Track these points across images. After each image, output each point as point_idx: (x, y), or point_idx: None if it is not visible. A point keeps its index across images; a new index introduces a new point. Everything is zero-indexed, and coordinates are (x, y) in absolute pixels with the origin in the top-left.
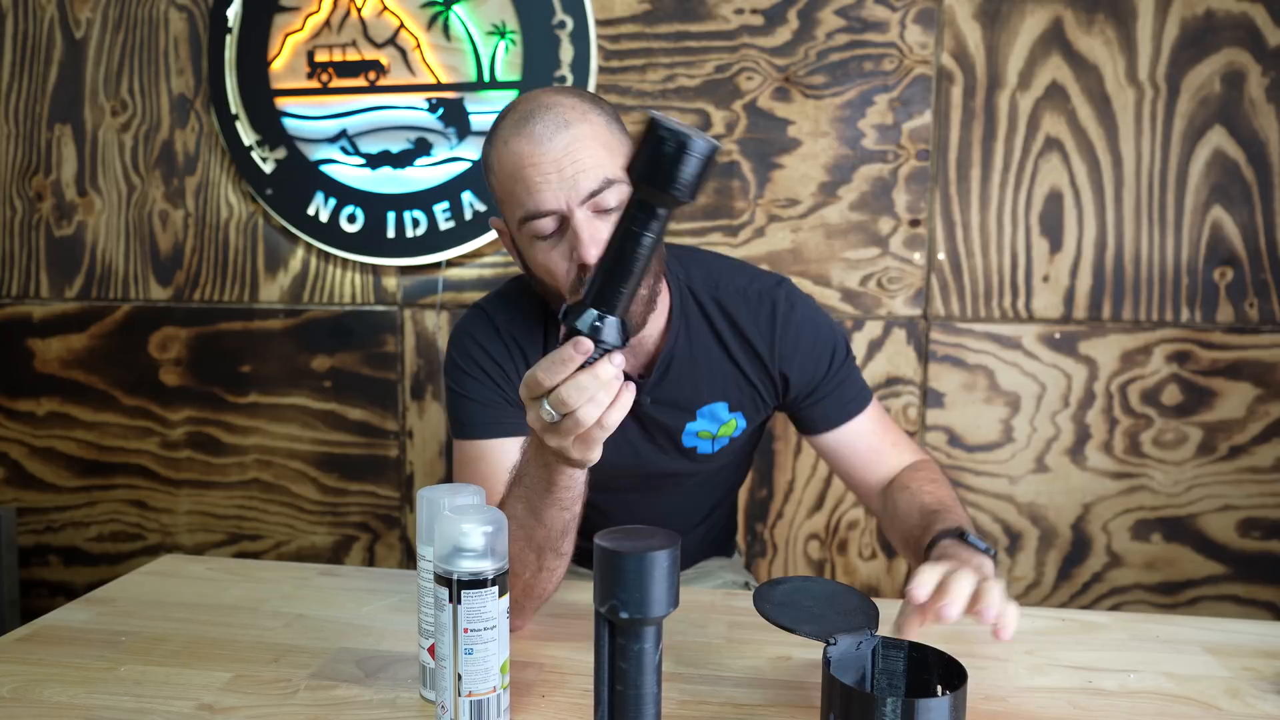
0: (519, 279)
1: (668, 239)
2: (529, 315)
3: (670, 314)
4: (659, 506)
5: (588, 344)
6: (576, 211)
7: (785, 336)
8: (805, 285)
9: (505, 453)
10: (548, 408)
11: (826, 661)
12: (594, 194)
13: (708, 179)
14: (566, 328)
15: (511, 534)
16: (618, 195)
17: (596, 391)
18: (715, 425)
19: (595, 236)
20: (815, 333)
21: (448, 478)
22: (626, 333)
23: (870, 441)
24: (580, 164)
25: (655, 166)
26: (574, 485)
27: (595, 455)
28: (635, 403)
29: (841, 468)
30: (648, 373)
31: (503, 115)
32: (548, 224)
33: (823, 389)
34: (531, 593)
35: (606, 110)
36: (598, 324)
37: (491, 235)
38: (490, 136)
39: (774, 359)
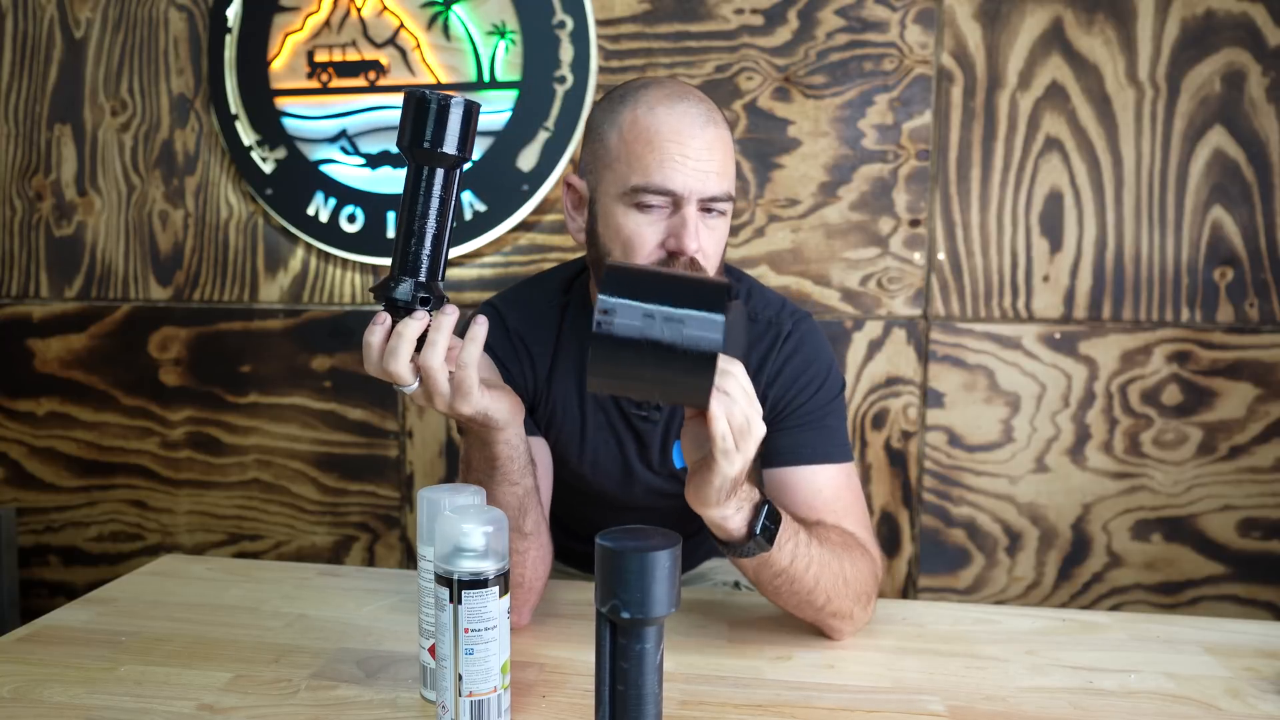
0: (535, 280)
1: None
2: (543, 318)
3: None
4: (655, 523)
5: (384, 315)
6: (693, 203)
7: (778, 358)
8: (805, 285)
9: None
10: (399, 388)
11: None
12: (713, 199)
13: (472, 134)
14: (376, 298)
15: None
16: (724, 210)
17: (405, 346)
18: None
19: (699, 234)
20: (809, 362)
21: (448, 478)
22: (435, 292)
23: (809, 496)
24: (717, 165)
25: (418, 129)
26: (515, 456)
27: (478, 401)
28: (642, 417)
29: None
30: None
31: (643, 86)
32: (661, 201)
33: (788, 421)
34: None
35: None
36: (403, 290)
37: (492, 235)
38: (625, 98)
39: (760, 385)
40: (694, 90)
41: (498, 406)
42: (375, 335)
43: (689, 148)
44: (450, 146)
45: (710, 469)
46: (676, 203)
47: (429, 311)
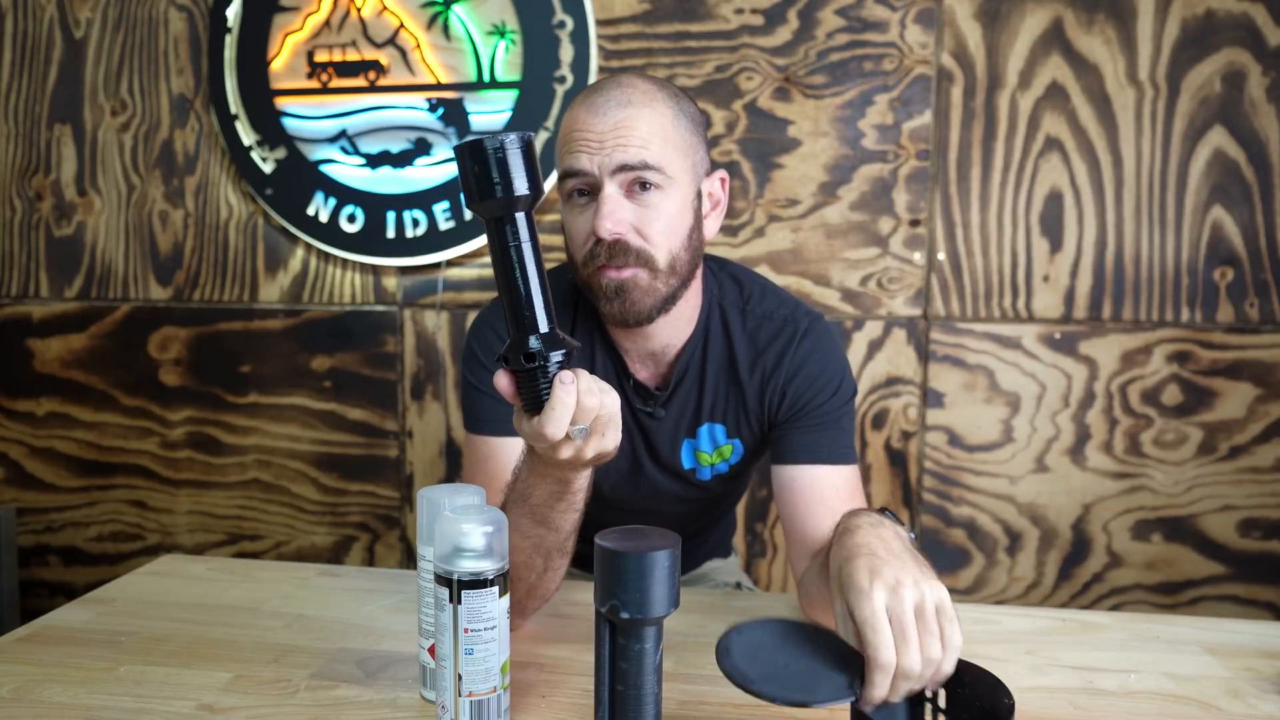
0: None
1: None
2: (557, 313)
3: (695, 326)
4: (657, 523)
5: (566, 375)
6: (606, 182)
7: (794, 358)
8: (805, 285)
9: (515, 452)
10: (572, 438)
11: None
12: (626, 168)
13: (532, 167)
14: (510, 365)
15: (516, 544)
16: (659, 184)
17: (569, 402)
18: (711, 447)
19: (614, 212)
20: (824, 364)
21: (448, 478)
22: (560, 342)
23: (825, 495)
24: (624, 139)
25: (475, 181)
26: (586, 485)
27: (618, 438)
28: (648, 414)
29: (786, 510)
30: (665, 384)
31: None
32: (581, 184)
33: (805, 420)
34: (535, 593)
35: (684, 108)
36: (540, 349)
37: None
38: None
39: (777, 381)
40: (627, 76)
41: (618, 438)
42: (569, 395)
43: (591, 130)
44: (514, 188)
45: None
46: (594, 186)
47: (564, 361)
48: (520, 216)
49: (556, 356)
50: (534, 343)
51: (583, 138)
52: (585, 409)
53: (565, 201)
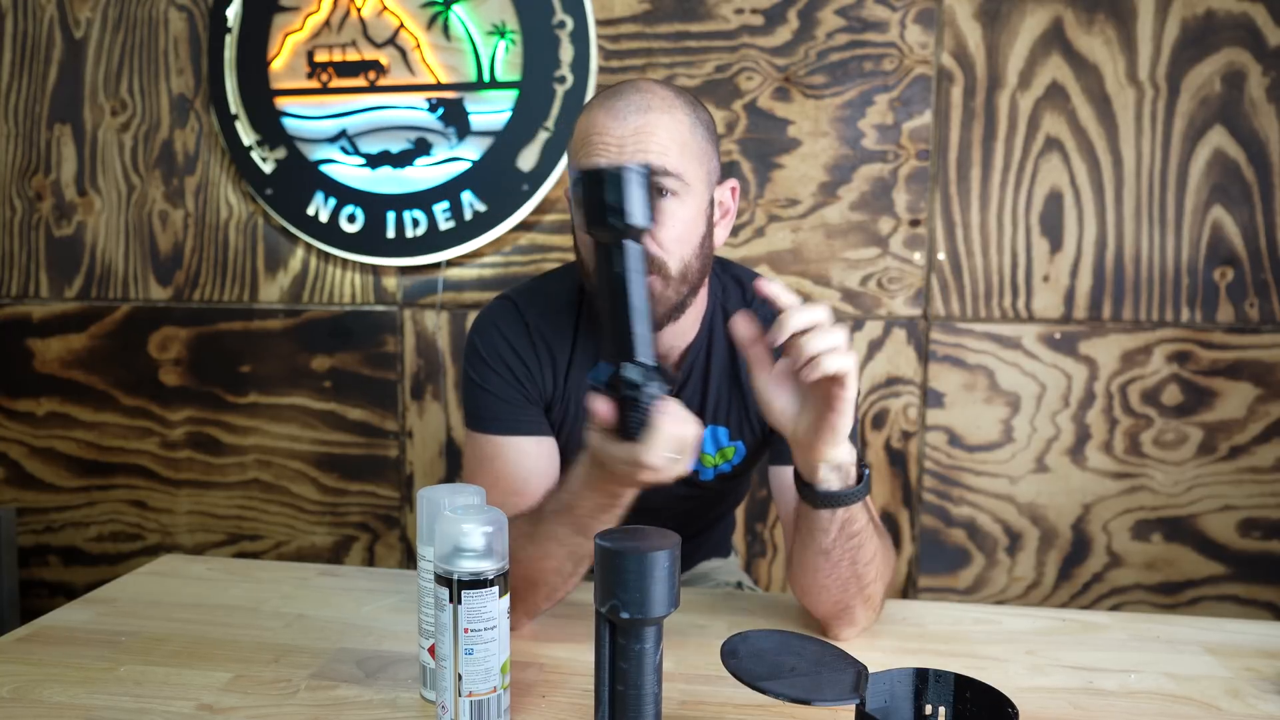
0: (552, 274)
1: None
2: (561, 315)
3: (699, 329)
4: (657, 523)
5: (668, 405)
6: None
7: None
8: (805, 285)
9: (520, 452)
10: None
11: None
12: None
13: (646, 199)
14: (608, 390)
15: (550, 551)
16: (676, 190)
17: (671, 433)
18: (714, 449)
19: None
20: None
21: (448, 478)
22: (659, 369)
23: None
24: (643, 145)
25: (591, 207)
26: (633, 497)
27: (690, 463)
28: None
29: (786, 510)
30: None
31: (599, 93)
32: None
33: None
34: (555, 596)
35: (700, 116)
36: (634, 373)
37: (492, 235)
38: (584, 107)
39: None
40: (645, 82)
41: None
42: (679, 430)
43: (610, 135)
44: (628, 217)
45: (837, 416)
46: None
47: (660, 392)
48: (630, 245)
49: (656, 388)
50: (636, 373)
51: (602, 141)
52: (678, 439)
53: (576, 208)
